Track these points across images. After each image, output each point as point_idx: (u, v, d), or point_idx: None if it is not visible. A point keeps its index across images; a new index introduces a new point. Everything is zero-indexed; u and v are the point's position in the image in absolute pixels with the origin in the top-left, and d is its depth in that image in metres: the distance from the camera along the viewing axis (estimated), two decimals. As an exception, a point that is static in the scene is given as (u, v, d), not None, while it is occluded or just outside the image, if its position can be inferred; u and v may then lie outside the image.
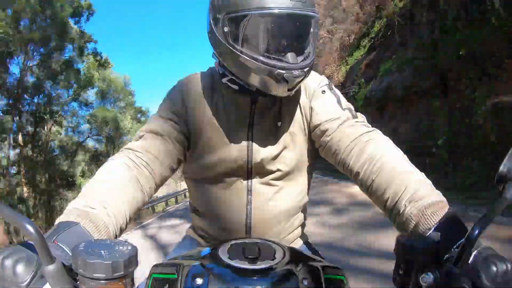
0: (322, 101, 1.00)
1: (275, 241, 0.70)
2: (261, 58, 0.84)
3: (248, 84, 0.91)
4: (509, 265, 0.50)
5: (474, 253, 0.52)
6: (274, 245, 0.66)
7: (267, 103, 0.99)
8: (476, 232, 0.49)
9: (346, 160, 0.91)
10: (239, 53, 0.85)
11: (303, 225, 1.15)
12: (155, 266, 0.65)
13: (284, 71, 0.83)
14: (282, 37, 0.85)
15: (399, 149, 0.87)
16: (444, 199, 0.71)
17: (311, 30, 0.89)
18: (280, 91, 0.86)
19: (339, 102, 0.99)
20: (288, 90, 0.86)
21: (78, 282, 0.48)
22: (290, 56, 0.84)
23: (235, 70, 0.91)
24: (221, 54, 0.93)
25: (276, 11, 0.80)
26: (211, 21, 0.91)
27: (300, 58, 0.86)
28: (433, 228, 0.63)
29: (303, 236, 1.17)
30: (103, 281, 0.45)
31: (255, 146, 0.99)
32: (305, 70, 0.86)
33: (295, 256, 0.65)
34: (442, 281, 0.50)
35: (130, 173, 0.84)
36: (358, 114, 0.98)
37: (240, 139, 0.99)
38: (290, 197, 1.04)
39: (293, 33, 0.86)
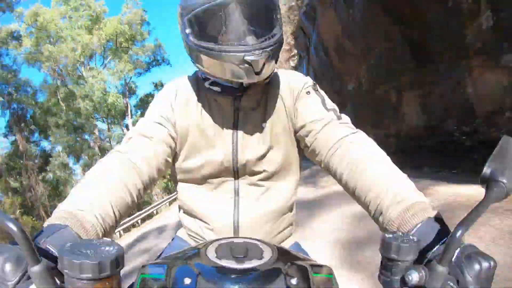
0: (307, 102, 1.01)
1: (263, 240, 0.70)
2: (220, 47, 0.85)
3: (223, 79, 0.93)
4: (491, 262, 0.51)
5: (457, 251, 0.53)
6: (262, 244, 0.67)
7: (250, 104, 1.01)
8: (460, 230, 0.50)
9: (330, 162, 0.92)
10: (202, 49, 0.88)
11: (292, 225, 1.16)
12: (144, 266, 0.65)
13: (243, 54, 0.83)
14: (236, 24, 0.86)
15: (382, 150, 0.88)
16: (426, 200, 0.72)
17: (268, 11, 0.90)
18: (250, 77, 0.87)
19: (323, 103, 1.00)
20: (256, 74, 0.86)
21: (65, 283, 0.48)
22: (249, 39, 0.85)
23: (206, 68, 0.93)
24: (192, 58, 0.95)
25: (221, 1, 0.83)
26: (180, 29, 0.95)
27: (260, 39, 0.87)
28: (415, 228, 0.64)
29: (292, 235, 1.17)
30: (90, 281, 0.45)
31: (240, 147, 1.00)
32: (268, 49, 0.86)
33: (283, 255, 0.65)
34: (426, 279, 0.51)
35: (118, 174, 0.84)
36: (343, 115, 0.99)
37: (225, 141, 1.00)
38: (277, 197, 1.05)
39: (247, 17, 0.86)
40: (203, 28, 0.88)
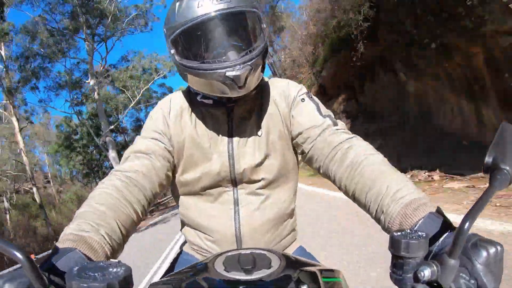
0: (302, 109, 1.02)
1: (269, 249, 0.69)
2: (202, 65, 0.88)
3: (210, 95, 0.96)
4: (498, 247, 0.51)
5: (463, 242, 0.52)
6: (269, 253, 0.66)
7: (244, 114, 1.02)
8: (468, 222, 0.49)
9: (329, 167, 0.93)
10: (186, 68, 0.91)
11: (294, 231, 1.16)
12: (152, 285, 0.64)
13: (224, 70, 0.85)
14: (216, 41, 0.88)
15: (379, 153, 0.89)
16: (425, 195, 0.72)
17: (247, 24, 0.91)
18: (234, 91, 0.89)
19: (318, 109, 1.01)
20: (240, 88, 0.88)
21: None
22: (230, 54, 0.87)
23: (194, 86, 0.96)
24: (182, 76, 0.98)
25: (199, 20, 0.85)
26: (168, 50, 0.97)
27: (241, 54, 0.88)
28: (418, 224, 0.64)
29: (296, 241, 1.17)
30: None
31: (236, 157, 1.00)
32: (249, 63, 0.87)
33: (291, 262, 0.65)
34: (439, 274, 0.51)
35: (121, 194, 0.85)
36: (338, 121, 1.00)
37: (221, 151, 1.01)
38: (277, 204, 1.05)
39: (226, 34, 0.88)
40: (186, 48, 0.91)
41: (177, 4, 0.89)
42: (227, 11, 0.86)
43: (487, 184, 0.52)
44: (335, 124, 0.98)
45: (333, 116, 1.01)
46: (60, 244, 0.65)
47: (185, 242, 1.18)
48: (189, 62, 0.90)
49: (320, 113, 1.00)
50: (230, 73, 0.85)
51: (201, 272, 0.63)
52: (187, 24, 0.86)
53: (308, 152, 0.99)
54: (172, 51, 0.94)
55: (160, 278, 0.70)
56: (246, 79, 0.87)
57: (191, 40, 0.89)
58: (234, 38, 0.89)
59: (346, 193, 0.89)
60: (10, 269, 0.59)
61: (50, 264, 0.57)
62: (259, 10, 0.93)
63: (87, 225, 0.71)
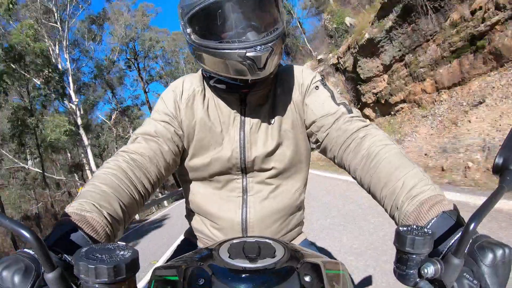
0: (316, 97, 1.00)
1: (274, 239, 0.70)
2: (222, 45, 0.85)
3: (227, 77, 0.93)
4: (506, 249, 0.51)
5: (471, 242, 0.52)
6: (274, 243, 0.66)
7: (257, 100, 1.00)
8: (474, 221, 0.49)
9: (343, 157, 0.92)
10: (203, 48, 0.88)
11: (301, 223, 1.16)
12: (156, 269, 0.65)
13: (245, 50, 0.83)
14: (236, 21, 0.85)
15: (395, 143, 0.87)
16: (441, 192, 0.71)
17: (268, 6, 0.89)
18: (253, 73, 0.86)
19: (333, 97, 0.99)
20: (260, 69, 0.86)
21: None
22: (250, 35, 0.85)
23: (210, 67, 0.93)
24: (196, 57, 0.95)
25: None
26: (182, 29, 0.95)
27: (261, 35, 0.86)
28: (431, 222, 0.64)
29: (302, 233, 1.17)
30: (106, 285, 0.45)
31: (247, 144, 0.99)
32: (270, 44, 0.85)
33: (295, 253, 0.65)
34: (442, 272, 0.51)
35: (126, 175, 0.84)
36: (353, 108, 0.98)
37: (232, 138, 1.00)
38: (286, 195, 1.04)
39: (246, 13, 0.86)
40: (203, 27, 0.88)
41: None
42: None
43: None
44: (350, 112, 0.96)
45: (348, 104, 0.99)
46: (62, 222, 0.65)
47: (189, 229, 1.18)
48: (207, 42, 0.88)
49: (335, 101, 0.98)
50: (251, 54, 0.83)
51: (206, 258, 0.64)
52: (207, 1, 0.83)
53: (322, 141, 0.98)
54: (188, 30, 0.91)
55: (164, 263, 0.71)
56: (266, 61, 0.85)
57: (210, 19, 0.86)
58: (254, 19, 0.87)
59: (361, 185, 0.88)
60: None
61: (54, 243, 0.58)
62: None
63: (90, 205, 0.71)
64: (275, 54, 0.87)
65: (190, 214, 1.14)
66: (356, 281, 2.56)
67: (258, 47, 0.83)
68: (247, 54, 0.83)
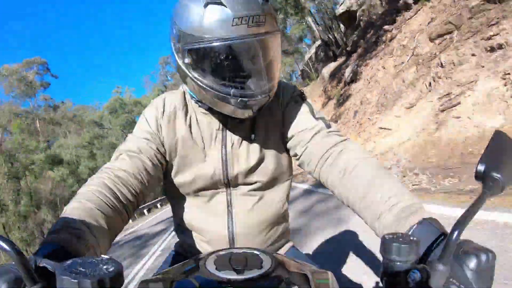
0: (295, 111, 1.01)
1: (261, 249, 0.69)
2: (224, 89, 0.84)
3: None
4: (489, 254, 0.51)
5: (455, 247, 0.53)
6: (261, 253, 0.66)
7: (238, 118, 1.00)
8: (459, 227, 0.50)
9: (321, 171, 0.93)
10: (202, 84, 0.86)
11: (287, 231, 1.16)
12: (143, 282, 0.63)
13: (246, 99, 0.84)
14: (242, 66, 0.84)
15: (372, 156, 0.89)
16: (418, 200, 0.72)
17: (272, 50, 0.87)
18: (246, 115, 0.88)
19: (312, 112, 1.00)
20: (254, 112, 0.88)
21: None
22: (251, 82, 0.85)
23: (199, 97, 0.92)
24: (186, 84, 0.93)
25: (236, 41, 0.79)
26: (173, 49, 0.90)
27: (262, 83, 0.86)
28: (412, 229, 0.64)
29: (288, 242, 1.17)
30: None
31: (229, 160, 1.00)
32: (270, 93, 0.87)
33: (283, 263, 0.64)
34: (429, 278, 0.51)
35: (110, 191, 0.84)
36: (331, 123, 1.00)
37: (214, 154, 1.00)
38: (270, 206, 1.05)
39: (253, 59, 0.84)
40: (205, 63, 0.84)
41: (206, 10, 0.79)
42: (261, 37, 0.81)
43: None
44: (328, 127, 0.97)
45: (326, 119, 1.00)
46: (48, 239, 0.64)
47: (178, 242, 1.17)
48: (205, 79, 0.85)
49: (314, 116, 0.99)
50: (251, 102, 0.84)
51: (192, 271, 0.63)
52: (217, 42, 0.79)
53: (301, 156, 0.98)
54: (186, 60, 0.85)
55: (150, 276, 0.69)
56: (261, 107, 0.87)
57: (215, 59, 0.82)
58: (260, 64, 0.84)
59: (340, 198, 0.89)
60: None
61: (38, 259, 0.57)
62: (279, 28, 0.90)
63: (76, 221, 0.70)
64: (271, 98, 0.89)
65: (178, 228, 1.14)
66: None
67: (259, 97, 0.85)
68: (248, 103, 0.84)
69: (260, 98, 0.85)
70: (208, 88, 0.85)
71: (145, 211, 22.91)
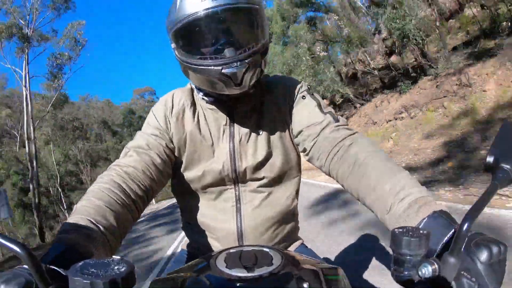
0: (303, 106, 1.01)
1: (271, 246, 0.69)
2: (199, 61, 0.86)
3: (209, 92, 0.95)
4: (501, 246, 0.51)
5: (466, 240, 0.52)
6: (271, 250, 0.66)
7: (245, 112, 1.01)
8: (468, 220, 0.49)
9: (331, 165, 0.93)
10: (185, 63, 0.90)
11: (296, 228, 1.16)
12: (154, 281, 0.64)
13: (220, 67, 0.84)
14: (214, 37, 0.86)
15: (381, 150, 0.88)
16: (429, 193, 0.72)
17: (247, 21, 0.89)
18: (231, 89, 0.88)
19: (319, 106, 1.00)
20: (237, 85, 0.87)
21: None
22: (226, 51, 0.85)
23: (194, 82, 0.95)
24: (183, 72, 0.96)
25: (201, 13, 0.83)
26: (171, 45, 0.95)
27: (238, 51, 0.86)
28: (423, 222, 0.64)
29: (298, 239, 1.17)
30: None
31: (237, 156, 1.00)
32: (246, 61, 0.85)
33: (293, 260, 0.65)
34: (440, 271, 0.51)
35: (120, 188, 0.85)
36: (340, 117, 0.99)
37: (223, 150, 1.01)
38: (279, 202, 1.05)
39: (225, 30, 0.86)
40: (185, 43, 0.89)
41: None
42: (227, 6, 0.84)
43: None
44: (337, 121, 0.97)
45: (334, 113, 1.00)
46: (58, 240, 0.65)
47: (187, 240, 1.18)
48: (189, 58, 0.89)
49: (321, 110, 0.99)
50: (226, 70, 0.84)
51: (203, 269, 0.63)
52: (187, 18, 0.84)
53: (310, 150, 0.98)
54: (173, 45, 0.92)
55: (162, 276, 0.70)
56: (243, 77, 0.86)
57: (191, 35, 0.87)
58: (232, 35, 0.87)
59: (350, 192, 0.89)
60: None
61: (49, 260, 0.57)
62: (261, 6, 0.91)
63: (85, 220, 0.71)
64: (252, 69, 0.88)
65: (186, 226, 1.14)
66: (354, 285, 2.55)
67: (234, 64, 0.84)
68: (223, 71, 0.84)
69: (237, 66, 0.84)
70: (192, 66, 0.88)
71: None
